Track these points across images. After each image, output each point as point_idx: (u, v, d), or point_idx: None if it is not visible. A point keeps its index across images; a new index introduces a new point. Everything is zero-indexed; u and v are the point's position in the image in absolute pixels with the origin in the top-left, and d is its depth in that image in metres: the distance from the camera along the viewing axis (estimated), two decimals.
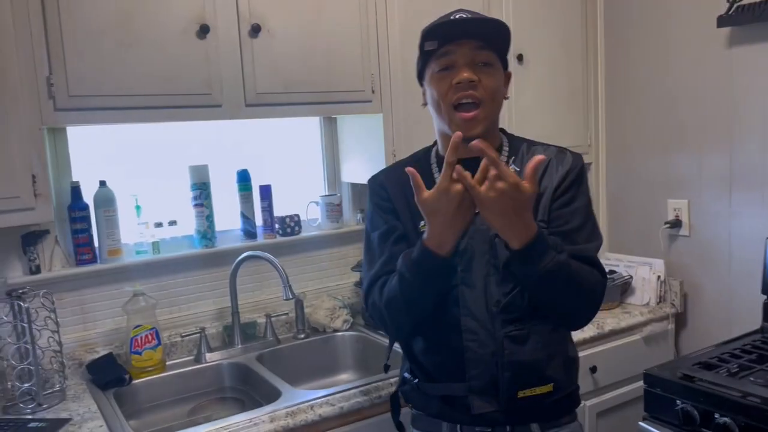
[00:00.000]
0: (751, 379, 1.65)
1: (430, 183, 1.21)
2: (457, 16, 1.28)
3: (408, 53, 1.97)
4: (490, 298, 1.28)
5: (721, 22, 2.08)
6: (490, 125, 1.32)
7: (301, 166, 2.36)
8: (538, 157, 1.14)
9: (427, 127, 1.42)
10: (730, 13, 2.05)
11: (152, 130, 2.01)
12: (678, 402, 1.66)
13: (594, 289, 1.29)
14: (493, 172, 1.11)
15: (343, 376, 2.12)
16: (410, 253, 1.25)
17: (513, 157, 1.36)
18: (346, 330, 2.18)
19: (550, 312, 1.30)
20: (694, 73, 2.26)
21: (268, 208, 2.19)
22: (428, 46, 1.29)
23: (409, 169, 1.17)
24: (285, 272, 1.91)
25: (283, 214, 2.21)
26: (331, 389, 1.69)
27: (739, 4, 2.03)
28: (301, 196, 2.32)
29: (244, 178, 2.14)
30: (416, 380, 1.39)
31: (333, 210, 2.29)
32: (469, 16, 1.29)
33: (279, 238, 2.19)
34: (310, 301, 2.21)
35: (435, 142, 1.43)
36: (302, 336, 2.14)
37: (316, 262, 2.28)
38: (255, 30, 1.78)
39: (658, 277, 2.33)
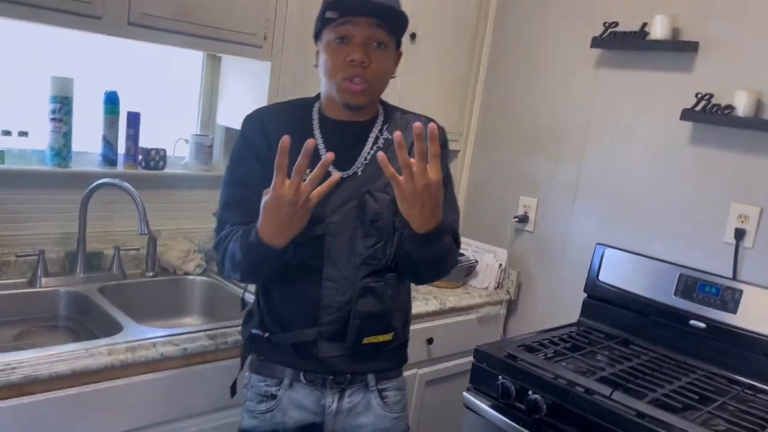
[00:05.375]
0: (563, 364, 1.86)
1: (307, 135, 1.29)
2: None
3: (307, 8, 1.95)
4: (354, 249, 1.34)
5: (595, 43, 2.28)
6: (372, 99, 1.39)
7: (175, 100, 2.25)
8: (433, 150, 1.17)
9: (316, 85, 1.42)
10: (603, 36, 2.25)
11: (12, 30, 1.82)
12: (500, 377, 1.84)
13: (453, 261, 1.41)
14: (421, 165, 1.16)
15: (189, 320, 2.08)
16: (248, 232, 1.25)
17: (387, 125, 1.42)
18: (197, 275, 2.14)
19: (410, 272, 1.39)
20: (564, 85, 2.44)
21: (133, 137, 2.07)
22: (329, 14, 1.31)
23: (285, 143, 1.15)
24: (143, 206, 1.83)
25: (149, 146, 2.11)
26: (176, 329, 1.66)
27: (613, 29, 2.23)
28: (170, 132, 2.22)
29: (111, 100, 2.01)
30: (267, 334, 1.41)
31: (203, 151, 2.21)
32: None
33: (141, 170, 2.09)
34: (165, 240, 2.14)
35: (318, 95, 1.45)
36: (151, 274, 2.07)
37: (176, 202, 2.20)
38: None
39: (500, 265, 2.52)
